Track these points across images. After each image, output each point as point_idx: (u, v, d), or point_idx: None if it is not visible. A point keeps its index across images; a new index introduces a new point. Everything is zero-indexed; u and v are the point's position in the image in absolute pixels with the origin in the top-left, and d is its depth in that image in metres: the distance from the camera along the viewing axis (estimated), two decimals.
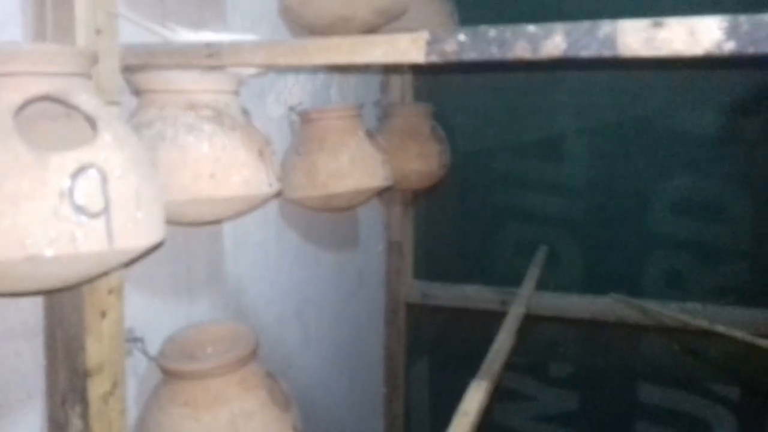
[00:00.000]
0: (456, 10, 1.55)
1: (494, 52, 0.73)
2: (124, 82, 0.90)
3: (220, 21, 1.13)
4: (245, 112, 0.96)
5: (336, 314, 1.58)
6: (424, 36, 0.75)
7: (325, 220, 1.48)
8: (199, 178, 0.86)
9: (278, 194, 0.96)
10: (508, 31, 0.72)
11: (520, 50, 0.72)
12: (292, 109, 1.32)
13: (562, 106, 1.77)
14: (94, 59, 0.74)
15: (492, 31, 0.72)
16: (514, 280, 1.54)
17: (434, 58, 0.75)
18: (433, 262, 1.93)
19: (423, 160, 1.56)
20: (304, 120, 1.28)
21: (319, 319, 1.50)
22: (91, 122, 0.69)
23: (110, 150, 0.68)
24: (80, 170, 0.65)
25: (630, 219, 1.78)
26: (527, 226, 1.86)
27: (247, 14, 1.19)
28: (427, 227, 1.92)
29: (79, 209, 0.64)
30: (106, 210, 0.66)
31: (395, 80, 1.69)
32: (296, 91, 1.35)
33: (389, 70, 1.68)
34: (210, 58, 0.83)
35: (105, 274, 0.77)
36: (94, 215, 0.65)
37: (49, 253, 0.62)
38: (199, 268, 1.08)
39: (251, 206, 0.92)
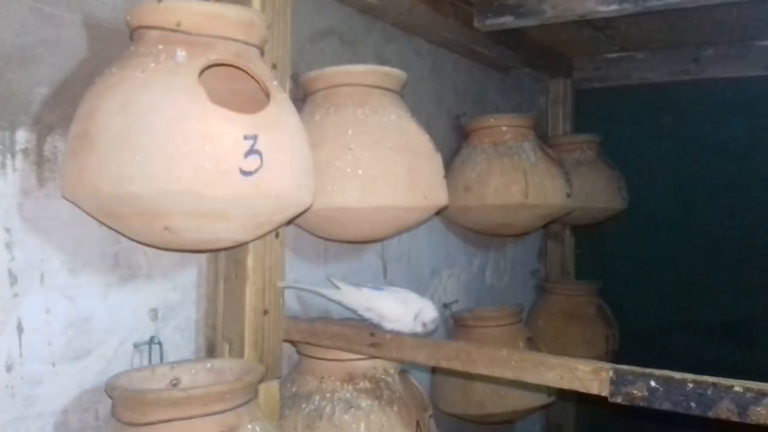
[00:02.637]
0: (624, 186, 1.44)
1: (692, 407, 0.63)
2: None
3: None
4: (404, 370, 0.93)
5: None
6: (608, 371, 0.67)
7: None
8: None
9: None
10: (709, 386, 0.62)
11: (724, 412, 0.62)
12: (446, 306, 1.28)
13: (749, 285, 1.52)
14: (263, 375, 0.75)
15: (690, 383, 0.63)
16: None
17: (619, 400, 0.67)
18: None
19: (587, 345, 1.42)
20: (458, 324, 1.23)
21: None
22: None
23: None
24: None
25: None
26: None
27: None
28: (590, 415, 1.70)
29: None
30: None
31: (554, 248, 1.59)
32: (451, 284, 1.31)
33: (549, 236, 1.59)
34: (372, 348, 0.81)
35: None
36: None
37: None
38: None
39: None
